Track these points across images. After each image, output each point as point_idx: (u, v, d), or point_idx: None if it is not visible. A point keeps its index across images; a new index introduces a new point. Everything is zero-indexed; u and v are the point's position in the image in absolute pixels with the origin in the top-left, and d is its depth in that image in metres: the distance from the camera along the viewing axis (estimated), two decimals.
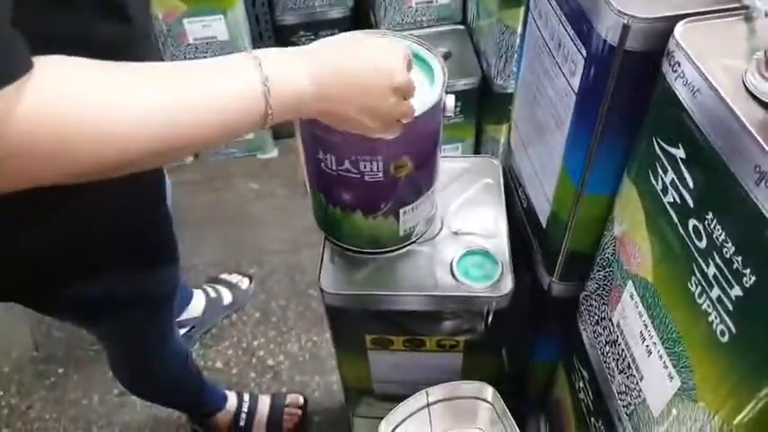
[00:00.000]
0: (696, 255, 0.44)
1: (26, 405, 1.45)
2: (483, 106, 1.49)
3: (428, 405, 0.82)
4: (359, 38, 0.60)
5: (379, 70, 0.53)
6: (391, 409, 0.80)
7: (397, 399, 0.84)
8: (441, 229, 0.78)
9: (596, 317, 0.65)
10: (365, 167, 0.64)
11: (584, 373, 0.70)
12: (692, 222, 0.44)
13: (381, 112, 0.54)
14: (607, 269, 0.61)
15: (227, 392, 1.34)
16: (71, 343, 1.56)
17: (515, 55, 1.21)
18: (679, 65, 0.43)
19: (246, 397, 1.35)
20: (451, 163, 0.86)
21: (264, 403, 1.36)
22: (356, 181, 0.66)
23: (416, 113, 0.60)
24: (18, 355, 1.54)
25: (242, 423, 1.33)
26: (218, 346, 1.52)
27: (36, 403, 1.45)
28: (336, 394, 1.39)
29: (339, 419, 1.33)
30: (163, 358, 1.00)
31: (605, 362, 0.64)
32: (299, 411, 1.35)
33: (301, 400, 1.36)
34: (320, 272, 0.74)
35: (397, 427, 0.82)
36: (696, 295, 0.45)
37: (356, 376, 0.89)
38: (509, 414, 0.79)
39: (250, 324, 1.55)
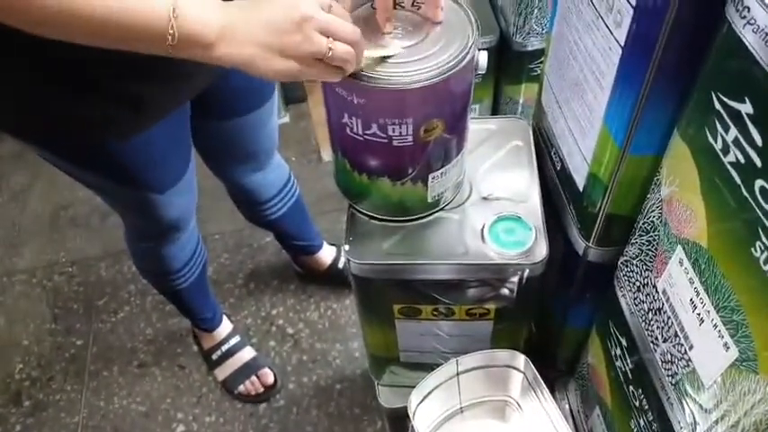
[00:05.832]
0: (763, 218, 0.41)
1: (47, 377, 1.45)
2: (501, 66, 1.44)
3: (458, 374, 0.80)
4: None
5: (283, 3, 0.53)
6: (418, 378, 0.78)
7: (425, 367, 0.82)
8: (470, 195, 0.75)
9: (637, 283, 0.62)
10: (394, 131, 0.61)
11: (622, 341, 0.68)
12: (759, 183, 0.41)
13: (289, 49, 0.54)
14: (651, 233, 0.58)
15: (226, 321, 1.44)
16: (89, 315, 1.56)
17: (537, 10, 1.15)
18: (748, 10, 0.39)
19: (236, 339, 1.41)
20: (478, 125, 0.82)
21: (248, 353, 1.41)
22: (384, 146, 0.62)
23: (448, 72, 0.57)
24: (36, 328, 1.54)
25: (214, 357, 1.40)
26: (237, 316, 1.51)
27: (57, 375, 1.45)
28: (358, 362, 1.38)
29: (362, 387, 1.32)
30: None
31: (648, 329, 0.61)
32: (261, 388, 1.37)
33: (271, 379, 1.38)
34: (346, 241, 0.72)
35: (426, 397, 0.80)
36: (761, 261, 0.42)
37: (382, 346, 0.87)
38: (541, 381, 0.77)
39: (268, 292, 1.54)
